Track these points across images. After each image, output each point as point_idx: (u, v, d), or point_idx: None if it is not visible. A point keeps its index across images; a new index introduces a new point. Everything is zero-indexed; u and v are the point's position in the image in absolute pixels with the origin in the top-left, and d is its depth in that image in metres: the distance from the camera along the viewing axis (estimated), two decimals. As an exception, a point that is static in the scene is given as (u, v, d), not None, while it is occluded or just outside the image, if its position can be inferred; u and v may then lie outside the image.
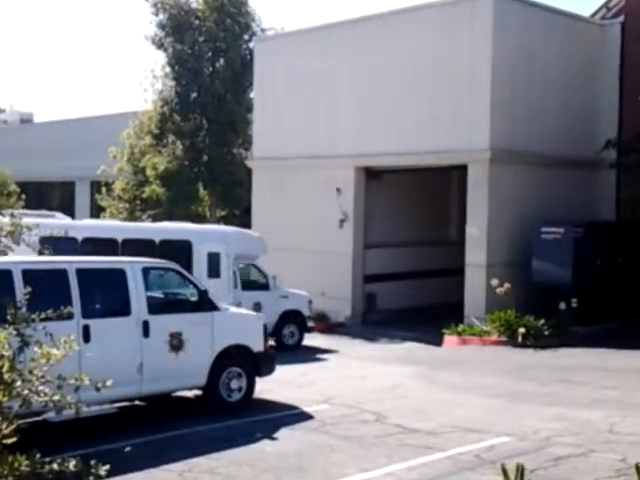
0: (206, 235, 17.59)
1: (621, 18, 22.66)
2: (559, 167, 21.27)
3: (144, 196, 30.55)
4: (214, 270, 17.04)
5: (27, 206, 28.31)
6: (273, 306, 17.92)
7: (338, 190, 22.45)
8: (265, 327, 11.83)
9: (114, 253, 15.68)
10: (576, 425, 10.28)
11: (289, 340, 18.35)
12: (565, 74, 21.62)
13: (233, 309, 12.17)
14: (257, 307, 17.27)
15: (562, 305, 19.12)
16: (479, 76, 19.74)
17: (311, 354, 17.03)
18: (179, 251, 16.83)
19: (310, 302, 18.94)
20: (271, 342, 12.10)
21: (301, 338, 18.54)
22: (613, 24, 22.81)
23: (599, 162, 22.06)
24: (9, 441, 4.87)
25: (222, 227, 18.13)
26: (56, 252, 14.03)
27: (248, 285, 17.90)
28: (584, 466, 8.48)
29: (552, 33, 21.31)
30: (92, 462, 4.91)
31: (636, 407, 11.50)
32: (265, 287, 18.19)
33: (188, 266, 16.70)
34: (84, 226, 17.08)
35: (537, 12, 21.03)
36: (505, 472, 3.85)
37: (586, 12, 24.32)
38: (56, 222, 16.76)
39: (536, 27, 20.80)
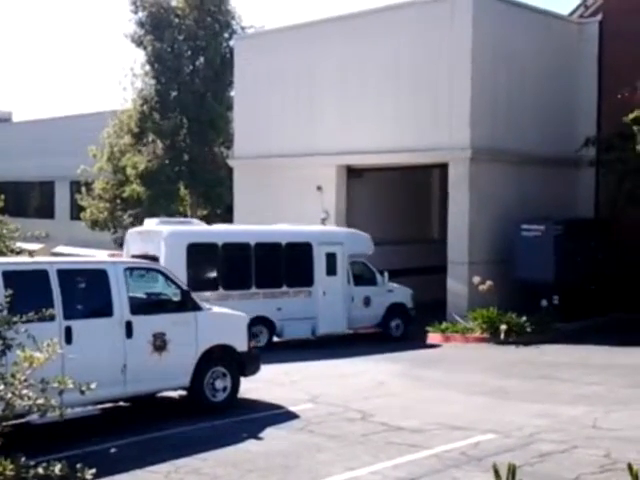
0: (324, 237, 18.76)
1: (599, 17, 22.84)
2: (539, 165, 21.40)
3: (124, 195, 30.37)
4: (331, 269, 18.33)
5: (5, 207, 28.00)
6: (380, 300, 18.98)
7: (319, 188, 22.44)
8: (249, 327, 11.79)
9: (248, 257, 17.32)
10: (560, 421, 10.35)
11: (395, 332, 19.21)
12: (544, 72, 21.76)
13: (216, 309, 12.11)
14: (367, 301, 18.75)
15: (544, 302, 19.26)
16: (459, 74, 19.81)
17: (290, 352, 16.95)
18: (302, 252, 18.16)
19: (412, 295, 19.72)
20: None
21: (406, 330, 19.28)
22: (591, 22, 22.99)
23: (578, 160, 22.22)
24: (-7, 445, 4.82)
25: (337, 229, 19.53)
26: (203, 257, 16.57)
27: (358, 281, 18.88)
28: (568, 462, 8.53)
29: (531, 31, 21.43)
30: (78, 466, 4.86)
31: (619, 403, 11.60)
32: (373, 282, 19.05)
33: (309, 265, 18.02)
34: (222, 232, 18.21)
35: (516, 10, 21.15)
36: (497, 472, 3.84)
37: (564, 10, 24.55)
38: (199, 229, 17.91)
39: (515, 25, 20.92)
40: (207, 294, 16.10)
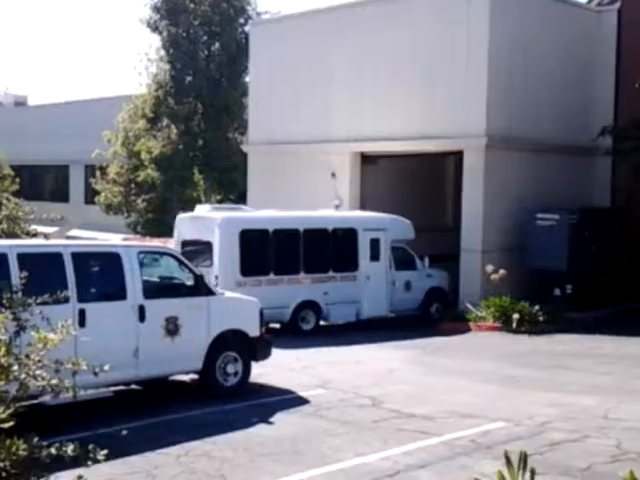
0: (368, 223, 19.09)
1: (617, 5, 22.60)
2: (555, 153, 21.26)
3: (139, 180, 30.46)
4: (375, 254, 18.72)
5: (21, 190, 28.13)
6: (420, 284, 19.48)
7: (333, 175, 22.42)
8: (261, 312, 11.83)
9: (297, 242, 17.70)
10: (571, 411, 10.33)
11: (435, 315, 19.63)
12: (561, 60, 21.57)
13: (229, 294, 12.14)
14: (407, 285, 19.21)
15: (557, 291, 19.20)
16: (475, 62, 19.67)
17: (305, 339, 17.00)
18: (347, 238, 18.55)
19: (450, 279, 20.12)
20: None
21: (444, 313, 19.55)
22: (609, 10, 22.75)
23: (595, 149, 22.06)
24: (6, 425, 4.85)
25: (380, 215, 19.72)
26: (255, 243, 17.08)
27: (399, 265, 19.27)
28: (579, 451, 8.52)
29: (549, 19, 21.24)
30: (90, 446, 4.89)
31: (631, 393, 11.57)
32: (413, 267, 19.48)
33: (354, 251, 18.45)
34: (273, 218, 18.29)
35: (534, -2, 20.96)
36: (508, 459, 3.85)
37: (583, -2, 24.26)
38: (251, 215, 18.19)
39: (533, 13, 20.73)
40: (259, 279, 16.78)
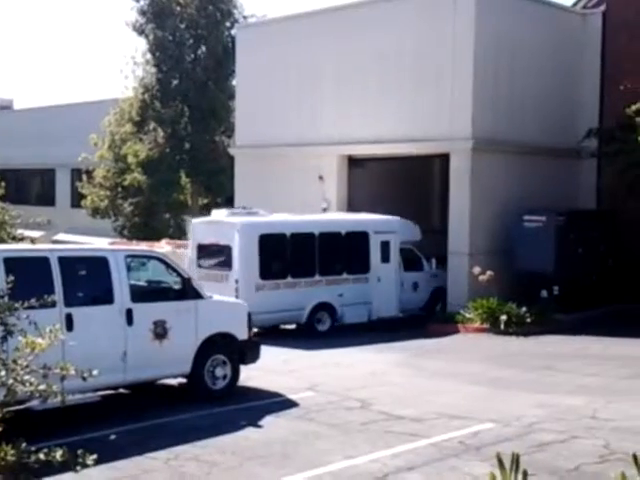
0: (378, 226, 19.42)
1: (602, 7, 22.72)
2: (541, 156, 21.35)
3: (125, 184, 30.37)
4: (385, 256, 19.13)
5: (6, 194, 28.00)
6: (426, 284, 20.13)
7: (320, 178, 22.42)
8: (249, 315, 11.81)
9: (312, 246, 18.03)
10: (559, 411, 10.38)
11: (440, 314, 19.84)
12: (547, 63, 21.67)
13: (217, 297, 12.11)
14: (415, 286, 19.75)
15: (544, 293, 19.25)
16: (461, 65, 19.73)
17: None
18: (359, 241, 18.90)
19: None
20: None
21: (437, 314, 19.90)
22: (594, 13, 22.87)
23: (580, 151, 22.17)
24: (-6, 431, 4.82)
25: (390, 218, 19.96)
26: (273, 247, 17.32)
27: (407, 266, 19.74)
28: (567, 452, 8.56)
29: (534, 22, 21.34)
30: (79, 451, 4.86)
31: (618, 393, 11.63)
32: (420, 268, 20.01)
33: (366, 253, 18.82)
34: (289, 223, 18.51)
35: (519, 1, 21.04)
36: (501, 461, 3.86)
37: (568, 1, 24.42)
38: (269, 220, 18.32)
39: (518, 16, 20.82)
40: (277, 282, 17.18)
